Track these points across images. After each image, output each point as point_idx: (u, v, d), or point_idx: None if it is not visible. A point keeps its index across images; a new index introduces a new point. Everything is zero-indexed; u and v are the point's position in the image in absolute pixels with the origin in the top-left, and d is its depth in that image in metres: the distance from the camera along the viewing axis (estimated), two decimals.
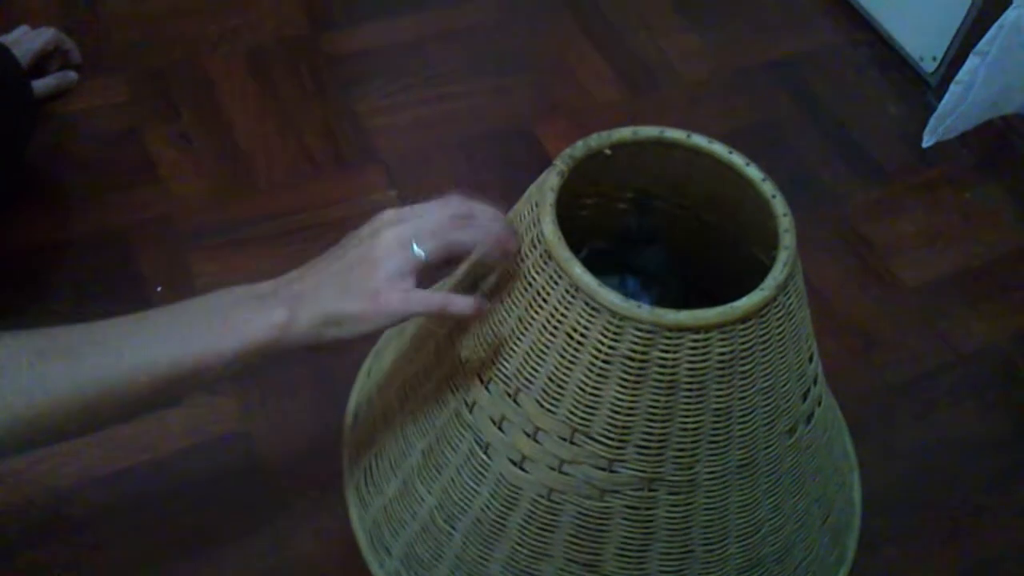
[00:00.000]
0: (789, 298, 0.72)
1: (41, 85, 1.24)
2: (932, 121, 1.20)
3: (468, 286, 0.79)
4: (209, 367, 0.68)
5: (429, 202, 0.74)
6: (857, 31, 1.50)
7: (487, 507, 0.80)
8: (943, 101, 1.17)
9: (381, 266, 0.70)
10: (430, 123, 1.31)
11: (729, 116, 1.37)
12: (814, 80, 1.43)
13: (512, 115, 1.33)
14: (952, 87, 1.15)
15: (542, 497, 0.77)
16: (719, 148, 0.78)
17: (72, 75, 1.28)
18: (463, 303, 0.72)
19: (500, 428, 0.77)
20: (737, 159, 0.77)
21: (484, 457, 0.79)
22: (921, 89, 1.41)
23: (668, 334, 0.68)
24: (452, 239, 0.71)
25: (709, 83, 1.41)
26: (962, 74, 1.14)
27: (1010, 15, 1.08)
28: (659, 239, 0.91)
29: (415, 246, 0.70)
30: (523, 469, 0.77)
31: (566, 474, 0.75)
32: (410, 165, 1.26)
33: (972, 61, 1.13)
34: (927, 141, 1.22)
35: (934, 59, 1.37)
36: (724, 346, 0.69)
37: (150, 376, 0.66)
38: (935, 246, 1.25)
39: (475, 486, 0.80)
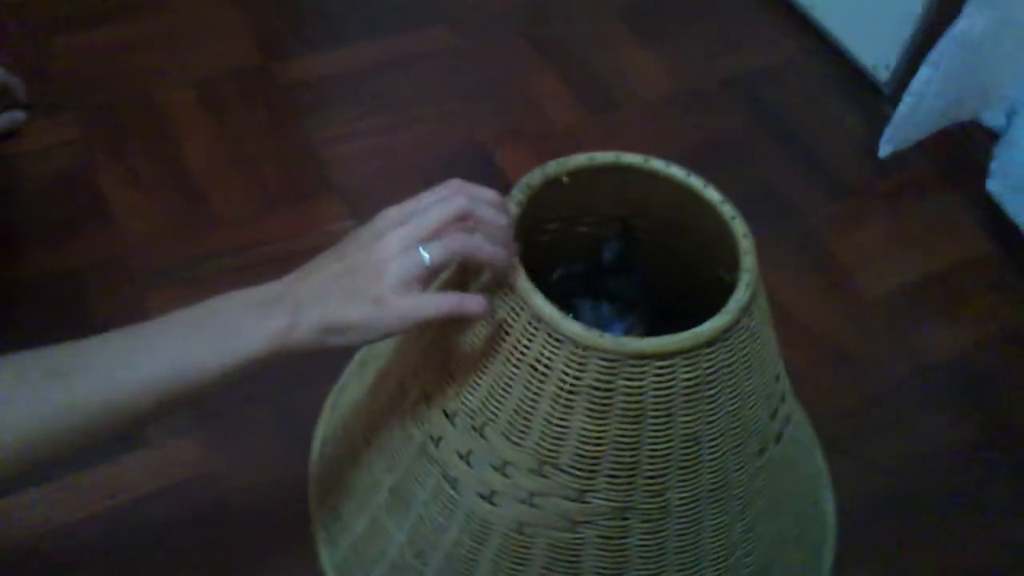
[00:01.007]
0: (753, 319, 0.71)
1: None
2: (888, 131, 1.20)
3: (457, 284, 0.76)
4: (209, 380, 0.66)
5: (430, 193, 0.71)
6: (810, 43, 1.51)
7: (458, 543, 0.79)
8: (897, 111, 1.18)
9: (386, 271, 0.67)
10: (388, 151, 1.30)
11: (688, 134, 1.37)
12: (770, 94, 1.43)
13: (471, 140, 1.32)
14: (905, 97, 1.16)
15: (513, 531, 0.76)
16: (677, 171, 0.77)
17: (19, 115, 1.25)
18: (477, 304, 0.69)
19: (467, 462, 0.76)
20: (695, 182, 0.76)
21: (452, 492, 0.77)
22: (877, 99, 1.42)
23: (632, 362, 0.68)
24: (457, 247, 0.68)
25: (667, 102, 1.41)
26: (915, 84, 1.15)
27: (960, 25, 1.09)
28: (635, 267, 0.90)
29: (421, 250, 0.67)
30: (492, 503, 0.76)
31: (536, 507, 0.74)
32: (369, 194, 1.24)
33: (925, 71, 1.14)
34: (884, 151, 1.22)
35: (887, 68, 1.37)
36: (689, 372, 0.69)
37: (148, 394, 0.65)
38: (898, 256, 1.25)
39: (445, 522, 0.79)
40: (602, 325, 0.79)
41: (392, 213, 0.70)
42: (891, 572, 0.98)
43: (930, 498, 1.04)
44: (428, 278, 0.67)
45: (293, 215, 1.21)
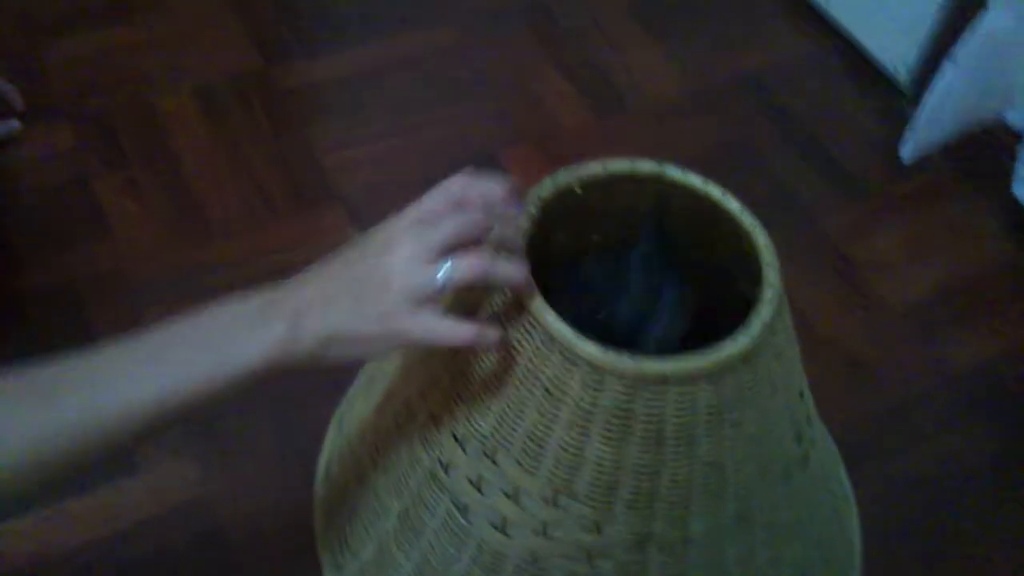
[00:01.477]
0: (777, 337, 0.68)
1: None
2: (910, 133, 1.17)
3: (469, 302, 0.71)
4: (204, 399, 0.62)
5: (441, 192, 0.66)
6: (827, 41, 1.47)
7: (468, 574, 0.76)
8: (920, 113, 1.14)
9: (396, 285, 0.62)
10: (391, 156, 1.26)
11: (699, 135, 1.33)
12: (785, 94, 1.39)
13: (475, 144, 1.29)
14: (928, 98, 1.12)
15: (526, 563, 0.73)
16: (694, 180, 0.73)
17: (14, 123, 1.23)
18: (494, 337, 0.64)
19: (479, 490, 0.72)
20: (713, 191, 0.73)
21: (463, 520, 0.74)
22: (896, 98, 1.38)
23: (651, 386, 0.64)
24: (475, 272, 0.63)
25: (677, 102, 1.37)
26: (938, 84, 1.11)
27: (984, 21, 1.05)
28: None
29: (436, 267, 0.62)
30: (505, 533, 0.73)
31: (551, 538, 0.71)
32: (372, 201, 1.21)
33: (948, 70, 1.10)
34: (906, 154, 1.18)
35: (907, 67, 1.33)
36: (711, 395, 0.65)
37: (133, 419, 0.61)
38: (919, 262, 1.22)
39: (455, 552, 0.76)
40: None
41: (404, 220, 0.65)
42: None
43: (952, 515, 1.01)
44: (440, 298, 0.63)
45: (294, 224, 1.18)
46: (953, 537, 0.99)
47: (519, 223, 0.69)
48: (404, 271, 0.62)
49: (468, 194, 0.66)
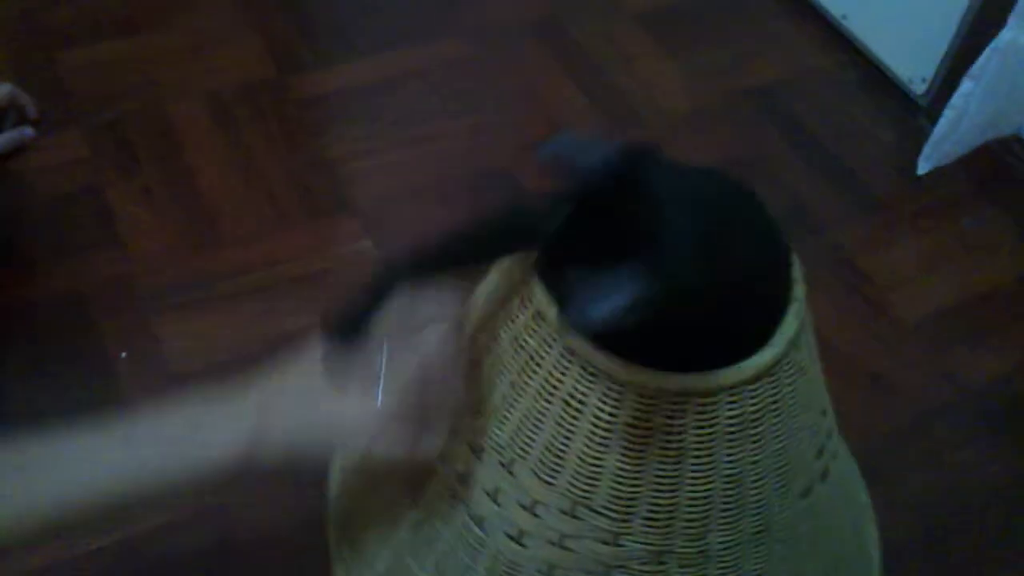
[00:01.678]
0: (801, 353, 0.67)
1: None
2: (927, 147, 1.16)
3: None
4: (166, 495, 0.66)
5: None
6: (843, 55, 1.46)
7: None
8: (937, 126, 1.14)
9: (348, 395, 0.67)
10: (404, 167, 1.26)
11: (713, 148, 1.33)
12: (799, 107, 1.39)
13: (489, 155, 1.29)
14: (946, 112, 1.12)
15: (543, 574, 0.72)
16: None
17: (28, 131, 1.23)
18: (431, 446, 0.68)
19: (495, 501, 0.72)
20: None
21: (479, 531, 0.74)
22: (912, 112, 1.37)
23: (672, 399, 0.64)
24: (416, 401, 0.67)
25: (691, 114, 1.37)
26: (956, 98, 1.11)
27: (1004, 36, 1.05)
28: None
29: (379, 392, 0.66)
30: (521, 544, 0.72)
31: (568, 549, 0.70)
32: (384, 212, 1.21)
33: (966, 85, 1.10)
34: (923, 168, 1.18)
35: (924, 80, 1.33)
36: (733, 409, 0.65)
37: (103, 505, 0.65)
38: (935, 276, 1.21)
39: (471, 563, 0.75)
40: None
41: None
42: None
43: (969, 530, 1.00)
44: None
45: (306, 234, 1.18)
46: (970, 552, 0.98)
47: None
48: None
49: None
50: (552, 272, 0.64)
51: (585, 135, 0.59)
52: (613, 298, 0.53)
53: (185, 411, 0.68)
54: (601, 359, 0.63)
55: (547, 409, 0.67)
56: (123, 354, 1.05)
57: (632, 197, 0.56)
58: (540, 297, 0.66)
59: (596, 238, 0.57)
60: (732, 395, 0.64)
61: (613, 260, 0.55)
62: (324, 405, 0.67)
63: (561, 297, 0.61)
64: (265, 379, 0.68)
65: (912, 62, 1.36)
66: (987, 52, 1.06)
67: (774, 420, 0.67)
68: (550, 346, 0.66)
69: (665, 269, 0.55)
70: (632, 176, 0.56)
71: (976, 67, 1.07)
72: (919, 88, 1.35)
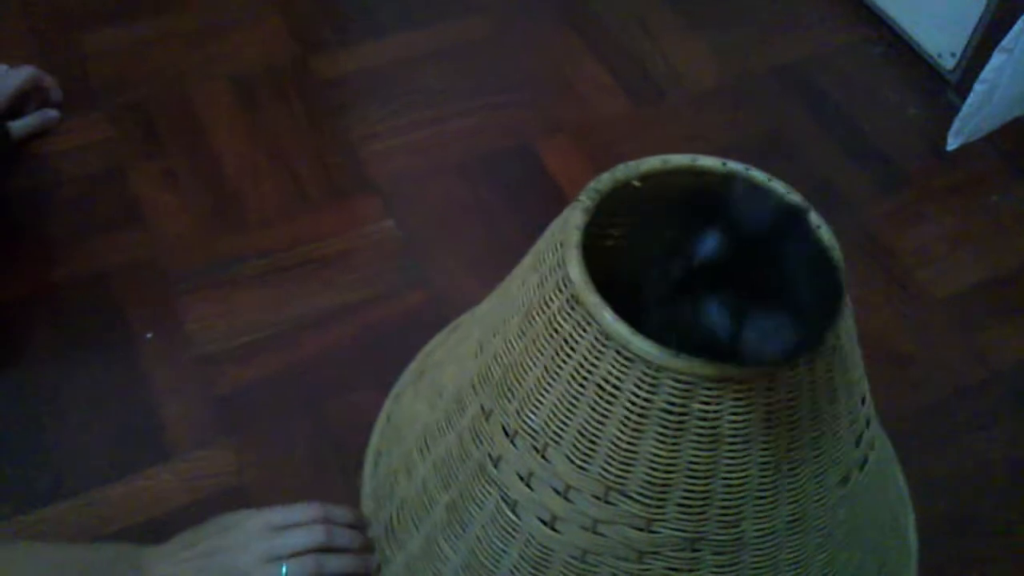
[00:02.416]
0: (839, 339, 0.66)
1: (20, 126, 1.19)
2: (957, 122, 1.14)
3: None
4: None
5: (291, 511, 0.84)
6: (869, 29, 1.44)
7: (516, 569, 0.75)
8: (968, 101, 1.11)
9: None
10: (426, 146, 1.25)
11: (738, 125, 1.31)
12: (826, 82, 1.37)
13: (512, 133, 1.28)
14: (976, 86, 1.09)
15: (575, 559, 0.72)
16: (758, 175, 0.72)
17: (53, 114, 1.22)
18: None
19: (528, 485, 0.72)
20: (778, 187, 0.71)
21: (512, 515, 0.74)
22: (940, 88, 1.35)
23: (709, 384, 0.63)
24: (312, 567, 0.81)
25: (716, 91, 1.35)
26: (987, 72, 1.08)
27: None
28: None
29: (282, 568, 0.80)
30: (554, 529, 0.72)
31: (601, 535, 0.70)
32: (407, 192, 1.20)
33: (997, 58, 1.07)
34: (952, 144, 1.16)
35: (953, 56, 1.31)
36: (769, 396, 0.64)
37: None
38: (963, 253, 1.19)
39: (503, 546, 0.75)
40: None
41: (256, 523, 0.82)
42: None
43: (995, 511, 0.99)
44: None
45: (329, 214, 1.17)
46: (997, 533, 0.97)
47: (363, 533, 0.87)
48: (254, 570, 0.79)
49: (315, 515, 0.84)
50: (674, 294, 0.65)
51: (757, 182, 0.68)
52: (781, 339, 0.60)
53: (106, 557, 0.79)
54: (637, 344, 0.63)
55: (581, 394, 0.66)
56: (149, 335, 1.05)
57: (787, 250, 0.62)
58: (578, 281, 0.65)
59: (749, 279, 0.61)
60: (768, 381, 0.63)
61: (771, 303, 0.61)
62: None
63: (705, 324, 0.63)
64: (171, 561, 0.80)
65: (941, 36, 1.33)
66: (1020, 23, 1.03)
67: (811, 407, 0.66)
68: (584, 331, 0.65)
69: (813, 323, 0.62)
70: (789, 232, 0.63)
71: (1008, 39, 1.05)
72: (948, 63, 1.33)
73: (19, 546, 0.80)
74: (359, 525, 0.88)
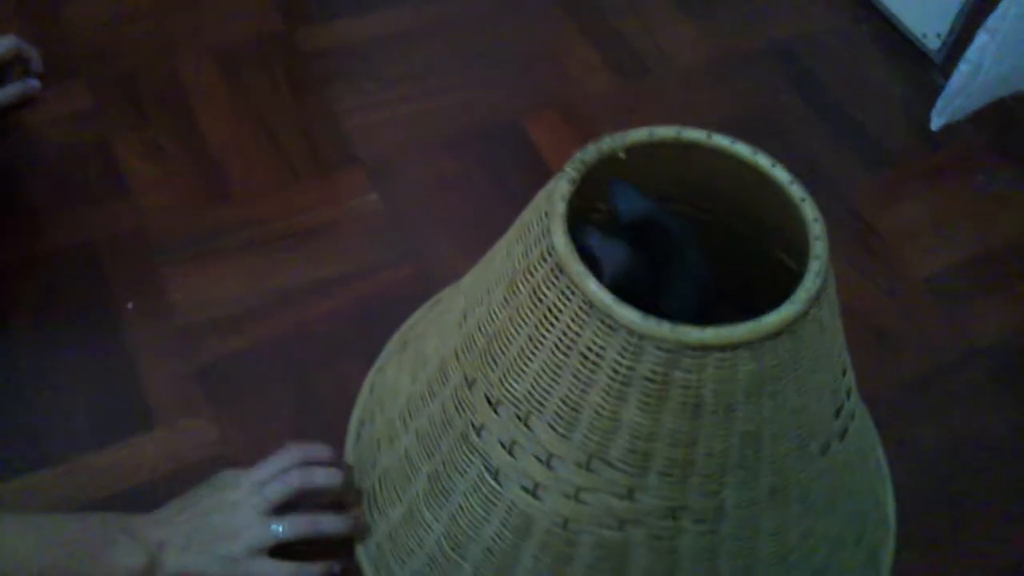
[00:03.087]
0: (822, 311, 0.67)
1: (1, 95, 1.17)
2: (940, 102, 1.15)
3: None
4: None
5: (276, 463, 0.85)
6: (856, 9, 1.44)
7: (498, 537, 0.75)
8: (951, 81, 1.12)
9: (242, 538, 0.81)
10: (412, 121, 1.25)
11: (725, 104, 1.31)
12: (813, 63, 1.37)
13: (498, 109, 1.27)
14: (961, 66, 1.10)
15: (557, 527, 0.72)
16: (742, 149, 0.72)
17: (34, 83, 1.21)
18: (316, 572, 0.84)
19: (511, 453, 0.72)
20: (762, 160, 0.71)
21: (494, 484, 0.74)
22: (926, 68, 1.36)
23: (691, 353, 0.63)
24: (305, 528, 0.83)
25: (703, 70, 1.35)
26: (971, 52, 1.09)
27: None
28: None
29: (272, 524, 0.82)
30: (536, 497, 0.72)
31: (583, 503, 0.70)
32: (392, 166, 1.20)
33: (981, 38, 1.08)
34: (936, 123, 1.16)
35: (938, 36, 1.31)
36: (752, 365, 0.64)
37: None
38: (947, 232, 1.20)
39: (485, 514, 0.76)
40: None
41: (246, 484, 0.84)
42: (936, 566, 0.94)
43: (977, 487, 1.00)
44: (277, 545, 0.82)
45: (315, 188, 1.17)
46: (979, 507, 0.98)
47: (341, 470, 0.88)
48: (248, 526, 0.81)
49: (295, 461, 0.86)
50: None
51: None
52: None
53: (94, 533, 0.79)
54: (620, 312, 0.63)
55: (564, 362, 0.66)
56: (129, 305, 1.04)
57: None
58: (561, 250, 0.65)
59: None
60: (751, 350, 0.64)
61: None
62: (208, 554, 0.80)
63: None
64: (164, 522, 0.81)
65: (926, 17, 1.33)
66: (1004, 4, 1.04)
67: (793, 377, 0.66)
68: (568, 299, 0.65)
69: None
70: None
71: (992, 19, 1.06)
72: (933, 44, 1.33)
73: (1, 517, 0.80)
74: (337, 463, 0.90)
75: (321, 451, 0.89)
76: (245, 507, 0.82)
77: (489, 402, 0.72)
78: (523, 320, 0.68)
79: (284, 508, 0.84)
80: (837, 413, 0.73)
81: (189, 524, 0.81)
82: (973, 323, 1.12)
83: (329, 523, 0.85)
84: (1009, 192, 1.25)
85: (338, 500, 0.89)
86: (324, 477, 0.86)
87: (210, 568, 0.80)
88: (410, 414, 0.82)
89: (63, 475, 0.93)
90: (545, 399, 0.68)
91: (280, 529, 0.82)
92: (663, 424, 0.66)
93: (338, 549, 0.87)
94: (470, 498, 0.76)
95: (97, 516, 0.81)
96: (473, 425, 0.74)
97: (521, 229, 0.72)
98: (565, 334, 0.66)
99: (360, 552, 0.87)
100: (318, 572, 0.84)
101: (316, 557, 0.85)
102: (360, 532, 0.87)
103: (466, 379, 0.74)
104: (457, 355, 0.76)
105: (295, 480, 0.84)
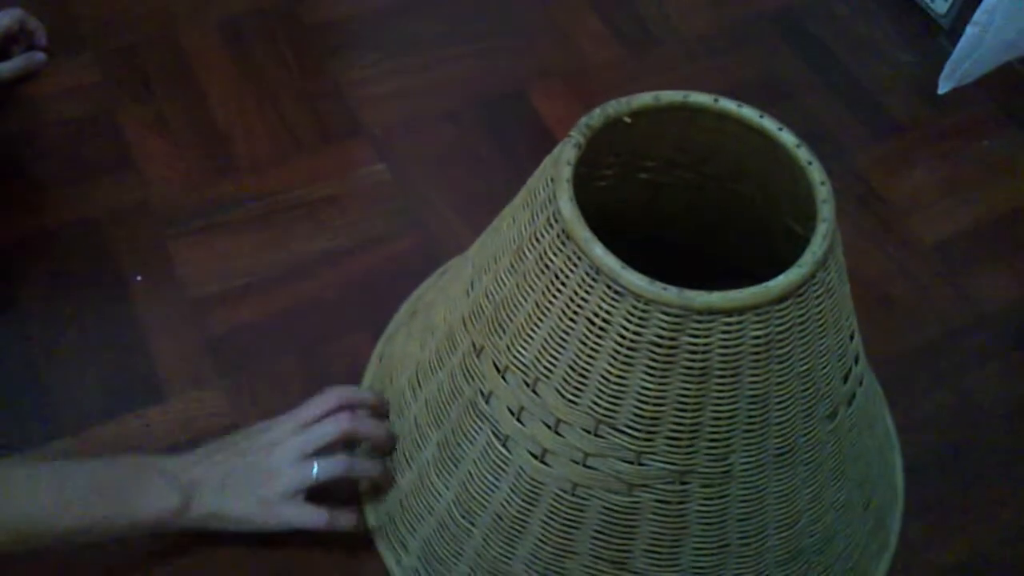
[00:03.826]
0: (829, 274, 0.67)
1: (5, 68, 1.17)
2: (948, 66, 1.14)
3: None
4: (105, 534, 0.77)
5: (316, 404, 0.84)
6: None
7: (507, 502, 0.76)
8: (959, 45, 1.11)
9: (278, 480, 0.79)
10: (418, 92, 1.24)
11: (731, 71, 1.31)
12: (819, 29, 1.36)
13: (503, 79, 1.27)
14: (968, 29, 1.09)
15: (566, 492, 0.73)
16: (749, 112, 0.72)
17: (39, 56, 1.21)
18: (346, 521, 0.82)
19: (519, 420, 0.72)
20: (769, 124, 0.71)
21: (503, 450, 0.74)
22: (933, 33, 1.35)
23: (698, 318, 0.63)
24: (342, 470, 0.81)
25: (709, 37, 1.34)
26: (979, 15, 1.08)
27: None
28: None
29: (312, 464, 0.80)
30: (545, 463, 0.72)
31: (591, 468, 0.71)
32: (398, 137, 1.19)
33: (989, 1, 1.07)
34: (943, 87, 1.15)
35: (945, 1, 1.30)
36: (759, 329, 0.64)
37: (50, 532, 0.75)
38: (954, 199, 1.20)
39: (494, 480, 0.76)
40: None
41: (287, 425, 0.82)
42: (944, 532, 0.94)
43: (980, 451, 1.00)
44: (312, 489, 0.80)
45: (320, 159, 1.17)
46: (985, 471, 0.98)
47: (387, 418, 0.87)
48: (288, 466, 0.80)
49: (340, 403, 0.84)
50: None
51: None
52: None
53: (127, 473, 0.79)
54: (627, 277, 0.63)
55: (571, 328, 0.67)
56: (138, 277, 1.05)
57: None
58: (568, 215, 0.65)
59: None
60: (759, 315, 0.64)
61: None
62: (242, 496, 0.79)
63: None
64: (198, 463, 0.80)
65: None
66: None
67: (801, 341, 0.66)
68: (575, 265, 0.65)
69: None
70: None
71: None
72: (940, 8, 1.32)
73: (27, 465, 0.79)
74: (382, 410, 0.88)
75: (364, 396, 0.87)
76: (287, 447, 0.80)
77: (497, 369, 0.72)
78: (530, 287, 0.69)
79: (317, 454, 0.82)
80: (845, 378, 0.73)
81: (227, 463, 0.80)
82: (981, 289, 1.12)
83: (364, 467, 0.83)
84: (1017, 157, 1.24)
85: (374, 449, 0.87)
86: (374, 425, 0.84)
87: (244, 511, 0.79)
88: (419, 383, 0.83)
89: (74, 447, 0.93)
90: (553, 365, 0.68)
91: (315, 472, 0.80)
92: (670, 389, 0.66)
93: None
94: (479, 465, 0.76)
95: (131, 458, 0.81)
96: (482, 392, 0.74)
97: (527, 195, 0.72)
98: (572, 300, 0.66)
99: (370, 517, 0.87)
100: (351, 521, 0.82)
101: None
102: (388, 481, 0.86)
103: (474, 346, 0.74)
104: (465, 323, 0.76)
105: (345, 423, 0.82)
